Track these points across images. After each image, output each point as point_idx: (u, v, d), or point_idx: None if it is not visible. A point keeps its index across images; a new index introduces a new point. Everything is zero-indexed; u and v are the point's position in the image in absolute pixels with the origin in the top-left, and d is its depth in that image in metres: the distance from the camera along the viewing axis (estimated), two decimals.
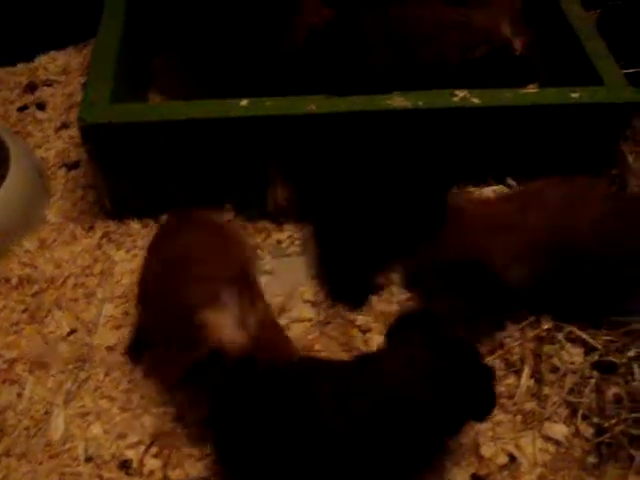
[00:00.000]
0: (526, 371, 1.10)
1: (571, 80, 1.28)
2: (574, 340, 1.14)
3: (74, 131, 1.43)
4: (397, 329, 0.94)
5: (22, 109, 1.50)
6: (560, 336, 1.14)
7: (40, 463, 1.02)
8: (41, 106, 1.51)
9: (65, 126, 1.47)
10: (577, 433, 1.05)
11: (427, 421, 0.84)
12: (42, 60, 1.63)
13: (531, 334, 1.14)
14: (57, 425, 1.06)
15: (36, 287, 1.20)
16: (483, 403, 0.90)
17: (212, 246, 1.03)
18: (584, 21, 1.34)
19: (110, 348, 1.13)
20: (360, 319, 1.15)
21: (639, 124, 1.38)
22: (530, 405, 1.07)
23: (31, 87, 1.54)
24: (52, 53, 1.64)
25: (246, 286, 0.98)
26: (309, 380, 0.89)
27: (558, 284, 1.09)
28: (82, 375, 1.10)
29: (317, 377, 0.89)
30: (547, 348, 1.13)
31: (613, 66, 1.25)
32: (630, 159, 1.34)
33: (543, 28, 1.44)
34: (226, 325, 0.92)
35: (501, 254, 1.06)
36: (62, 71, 1.59)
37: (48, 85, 1.55)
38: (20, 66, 1.62)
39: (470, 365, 0.89)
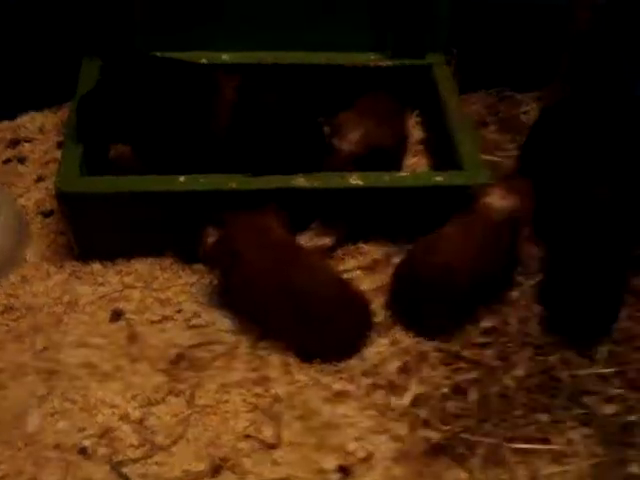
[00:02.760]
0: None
1: (449, 163, 1.73)
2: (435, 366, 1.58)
3: (49, 183, 1.81)
4: None
5: (6, 162, 1.89)
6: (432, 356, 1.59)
7: (19, 449, 1.41)
8: (22, 160, 1.89)
9: (41, 179, 1.87)
10: (420, 436, 1.49)
11: None
12: (23, 119, 2.02)
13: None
14: (32, 421, 1.45)
15: (18, 313, 1.61)
16: None
17: None
18: (456, 111, 1.78)
19: (73, 362, 1.54)
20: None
21: None
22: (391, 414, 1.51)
23: (13, 143, 1.93)
24: (31, 113, 2.03)
25: None
26: None
27: None
28: (52, 383, 1.51)
29: None
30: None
31: (474, 152, 1.69)
32: None
33: (430, 118, 1.90)
34: None
35: None
36: (39, 130, 1.99)
37: (28, 142, 1.95)
38: (4, 123, 2.01)
39: None
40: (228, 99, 1.65)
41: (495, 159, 1.99)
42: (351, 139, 1.68)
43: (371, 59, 1.88)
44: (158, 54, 1.74)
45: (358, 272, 1.71)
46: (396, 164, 1.83)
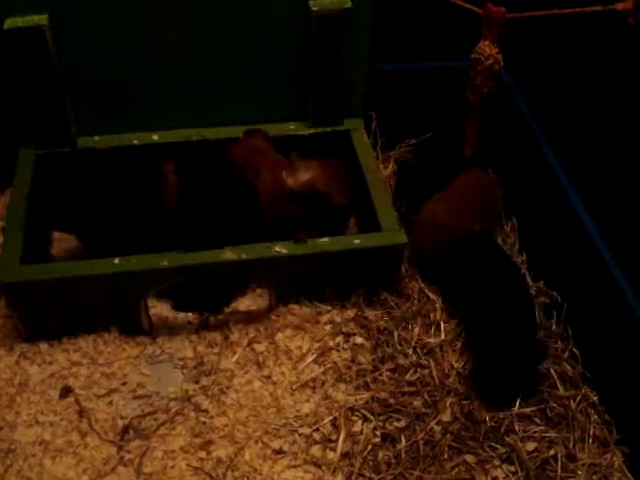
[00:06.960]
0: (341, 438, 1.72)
1: (371, 222, 1.92)
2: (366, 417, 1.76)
3: None
4: None
5: None
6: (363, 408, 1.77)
7: None
8: None
9: None
10: None
11: None
12: None
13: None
14: None
15: None
16: None
17: None
18: (372, 173, 1.97)
19: (27, 441, 1.69)
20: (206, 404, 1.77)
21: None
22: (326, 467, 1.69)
23: None
24: None
25: None
26: None
27: None
28: (8, 461, 1.66)
29: None
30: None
31: (390, 213, 1.88)
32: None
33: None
34: None
35: None
36: None
37: None
38: None
39: None
40: (172, 182, 1.85)
41: None
42: None
43: (292, 129, 2.07)
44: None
45: (289, 331, 1.89)
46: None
